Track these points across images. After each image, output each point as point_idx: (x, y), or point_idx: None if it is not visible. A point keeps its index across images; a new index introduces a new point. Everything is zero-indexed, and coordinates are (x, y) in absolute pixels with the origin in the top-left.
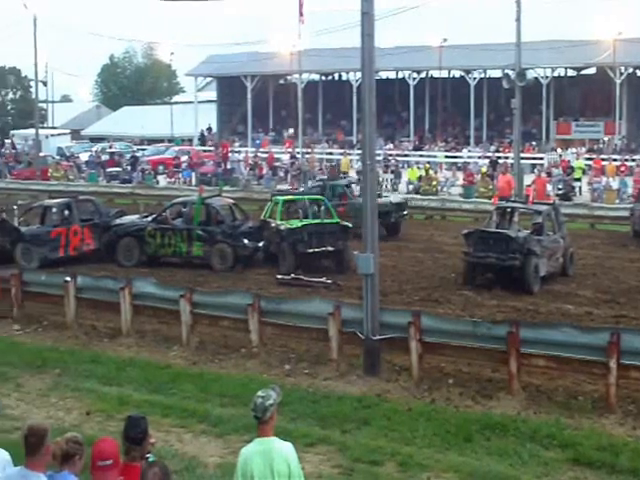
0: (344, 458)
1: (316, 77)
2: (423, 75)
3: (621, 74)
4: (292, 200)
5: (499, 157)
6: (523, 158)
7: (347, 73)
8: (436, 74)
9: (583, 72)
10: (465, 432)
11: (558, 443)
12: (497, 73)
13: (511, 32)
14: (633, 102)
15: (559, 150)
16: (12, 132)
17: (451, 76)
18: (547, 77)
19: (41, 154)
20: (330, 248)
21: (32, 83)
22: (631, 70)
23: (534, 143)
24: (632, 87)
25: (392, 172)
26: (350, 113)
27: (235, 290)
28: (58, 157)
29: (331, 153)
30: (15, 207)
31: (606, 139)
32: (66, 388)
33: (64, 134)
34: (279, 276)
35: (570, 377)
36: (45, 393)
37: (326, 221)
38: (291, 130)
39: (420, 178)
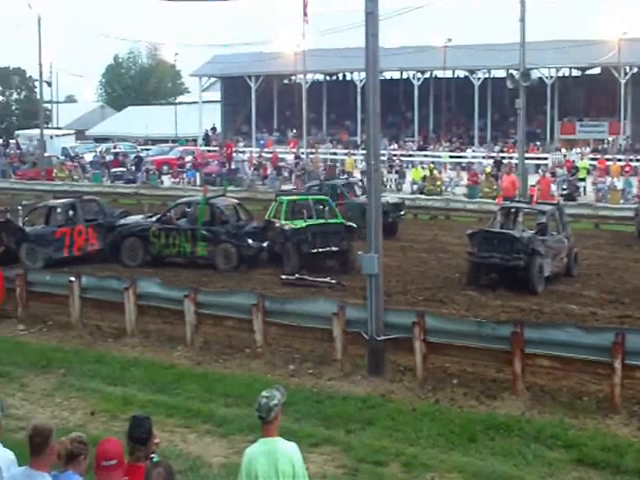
0: (348, 458)
1: (320, 77)
2: (427, 75)
3: (626, 74)
4: (296, 200)
5: (503, 157)
6: (527, 158)
7: (351, 73)
8: (440, 74)
9: (588, 72)
10: (469, 432)
11: (562, 443)
12: (501, 73)
13: (515, 32)
14: (638, 102)
15: (563, 150)
16: (17, 132)
17: (455, 76)
18: (551, 77)
19: (46, 154)
20: (334, 248)
21: (37, 83)
22: (636, 70)
23: (538, 143)
24: (637, 87)
25: (396, 172)
26: (354, 113)
27: (239, 290)
28: (62, 157)
29: (335, 153)
30: (20, 207)
31: (611, 139)
32: (71, 388)
33: (68, 134)
34: (283, 276)
35: (574, 377)
36: (50, 393)
37: (330, 221)
38: (295, 130)
39: (424, 178)
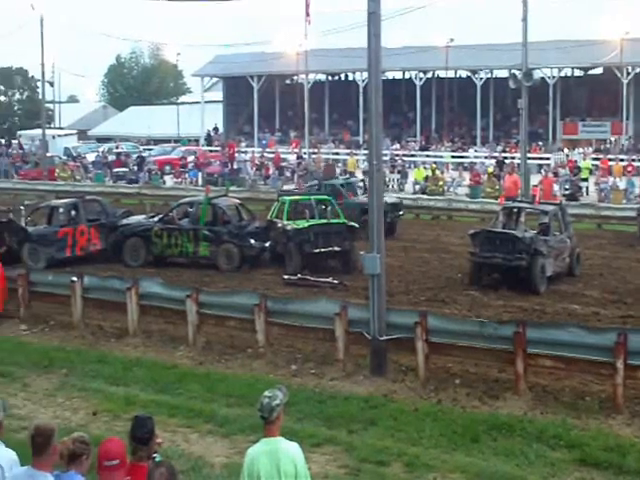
0: (350, 458)
1: (322, 77)
2: (430, 75)
3: (628, 74)
4: (299, 200)
5: (506, 157)
6: (530, 158)
7: (353, 73)
8: (443, 74)
9: (590, 72)
10: (472, 432)
11: (565, 443)
12: (504, 73)
13: (518, 32)
14: None
15: (566, 150)
16: (19, 133)
17: (458, 76)
18: (554, 77)
19: (48, 154)
20: (337, 248)
21: (39, 83)
22: (638, 70)
23: (541, 143)
24: (639, 87)
25: (399, 172)
26: (356, 113)
27: (241, 290)
28: (65, 157)
29: (337, 153)
30: (22, 207)
31: (613, 139)
32: (73, 388)
33: (71, 134)
34: (285, 276)
35: (577, 377)
36: (52, 393)
37: (333, 221)
38: (297, 130)
39: (427, 178)
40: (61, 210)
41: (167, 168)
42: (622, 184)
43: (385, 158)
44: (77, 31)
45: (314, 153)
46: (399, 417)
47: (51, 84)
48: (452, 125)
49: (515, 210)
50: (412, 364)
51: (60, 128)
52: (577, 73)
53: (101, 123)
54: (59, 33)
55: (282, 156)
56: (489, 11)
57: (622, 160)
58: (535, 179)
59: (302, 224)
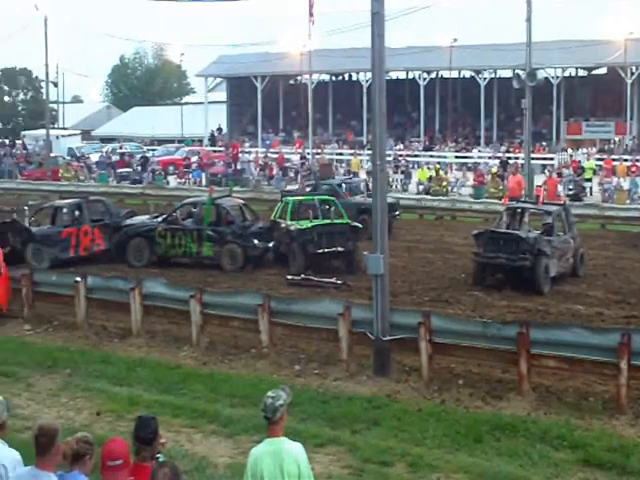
0: (354, 459)
1: (326, 77)
2: (433, 75)
3: (632, 74)
4: (302, 200)
5: (509, 157)
6: (533, 158)
7: (357, 73)
8: (446, 74)
9: (594, 72)
10: (475, 433)
11: (568, 444)
12: (507, 73)
13: (521, 32)
14: None
15: (570, 150)
16: (23, 133)
17: (461, 76)
18: (558, 77)
19: (52, 155)
20: (340, 248)
21: (43, 84)
22: None
23: (544, 143)
24: None
25: (402, 172)
26: (360, 113)
27: (245, 290)
28: (69, 158)
29: (341, 153)
30: (26, 207)
31: (617, 139)
32: (76, 388)
33: (75, 135)
34: (289, 276)
35: (580, 378)
36: (55, 393)
37: (336, 221)
38: (301, 130)
39: (430, 178)
40: (65, 210)
41: (171, 168)
42: (626, 184)
43: (389, 158)
44: (81, 31)
45: (318, 153)
46: (402, 417)
47: (55, 84)
48: (456, 125)
49: (519, 210)
50: (415, 364)
51: (64, 128)
52: (581, 73)
53: (105, 123)
54: (63, 33)
55: (286, 156)
56: (493, 11)
57: (626, 160)
58: (539, 179)
59: (306, 224)
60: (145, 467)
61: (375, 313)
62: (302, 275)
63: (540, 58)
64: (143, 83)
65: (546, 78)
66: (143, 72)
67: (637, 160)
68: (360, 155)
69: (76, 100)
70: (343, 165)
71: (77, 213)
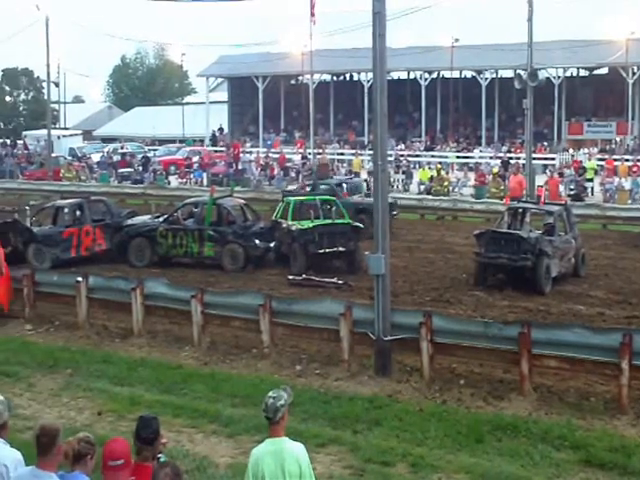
0: (355, 459)
1: (327, 77)
2: (435, 75)
3: (634, 74)
4: (303, 201)
5: (511, 157)
6: (535, 158)
7: (358, 73)
8: (448, 74)
9: (595, 72)
10: (476, 433)
11: (570, 444)
12: (509, 73)
13: (523, 32)
14: None
15: (571, 150)
16: (24, 133)
17: (463, 76)
18: (559, 77)
19: (53, 155)
20: (341, 249)
21: (44, 84)
22: None
23: (546, 143)
24: None
25: (403, 172)
26: (361, 113)
27: (246, 290)
28: (70, 158)
29: (342, 154)
30: (27, 208)
31: (618, 139)
32: (78, 388)
33: (76, 135)
34: (290, 276)
35: (582, 378)
36: (57, 393)
37: (337, 221)
38: (302, 130)
39: (431, 178)
40: (66, 210)
41: (172, 168)
42: (627, 184)
43: (390, 158)
44: (82, 31)
45: (319, 153)
46: (404, 417)
47: (56, 84)
48: (457, 125)
49: (520, 210)
50: (417, 364)
51: (65, 128)
52: (582, 73)
53: (106, 123)
54: (64, 34)
55: (287, 156)
56: (494, 11)
57: (627, 160)
58: (540, 179)
59: (307, 224)
60: (146, 467)
61: (376, 313)
62: (303, 275)
63: (541, 58)
64: (144, 83)
65: (547, 78)
66: (144, 72)
67: (638, 160)
68: (361, 155)
69: (77, 100)
70: (344, 165)
71: (78, 213)
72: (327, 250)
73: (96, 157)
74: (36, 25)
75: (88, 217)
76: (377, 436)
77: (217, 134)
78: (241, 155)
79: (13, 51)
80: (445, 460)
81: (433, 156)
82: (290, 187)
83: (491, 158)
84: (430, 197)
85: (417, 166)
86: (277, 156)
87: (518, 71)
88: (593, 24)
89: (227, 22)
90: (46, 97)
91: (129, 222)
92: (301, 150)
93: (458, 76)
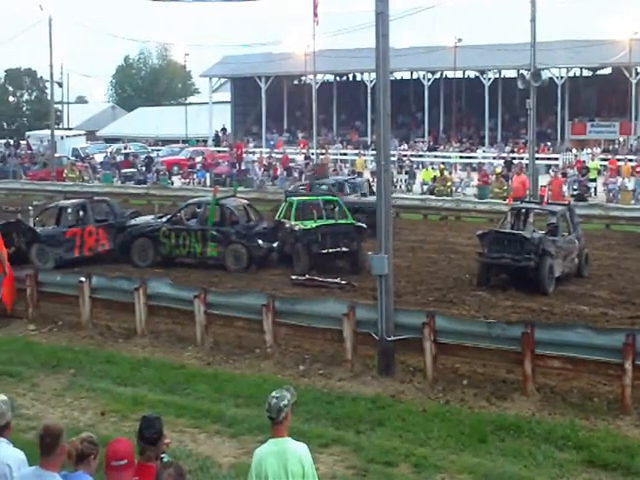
0: (358, 459)
1: (330, 78)
2: (438, 75)
3: (637, 74)
4: (306, 201)
5: (514, 158)
6: (538, 158)
7: (361, 74)
8: (451, 74)
9: (598, 72)
10: (479, 433)
11: (573, 444)
12: (512, 73)
13: (526, 32)
14: None
15: (574, 150)
16: (28, 133)
17: (466, 76)
18: (562, 77)
19: (56, 155)
20: (344, 249)
21: (47, 84)
22: None
23: (549, 143)
24: None
25: (406, 173)
26: (364, 114)
27: (249, 291)
28: (73, 158)
29: (345, 154)
30: (30, 208)
31: (621, 139)
32: (81, 388)
33: (79, 135)
34: (293, 277)
35: (585, 378)
36: (60, 393)
37: (340, 222)
38: (305, 131)
39: (435, 179)
40: (69, 211)
41: (175, 169)
42: (631, 184)
43: (393, 159)
44: (85, 32)
45: (322, 154)
46: (407, 418)
47: (60, 85)
48: (460, 125)
49: (523, 211)
50: (420, 365)
51: (68, 129)
52: (586, 73)
53: (109, 124)
54: (67, 34)
55: (290, 157)
56: (497, 11)
57: (631, 160)
58: (543, 179)
59: (310, 224)
60: (149, 467)
61: (379, 313)
62: (306, 275)
63: (545, 58)
64: (147, 83)
65: (550, 78)
66: (147, 72)
67: None
68: (364, 155)
69: (81, 100)
70: (347, 165)
71: (81, 213)
72: (330, 250)
73: (99, 157)
74: (39, 25)
75: (91, 217)
76: (380, 436)
77: (220, 134)
78: (244, 155)
79: (16, 51)
80: (448, 460)
81: (436, 156)
82: (293, 187)
83: (494, 158)
84: (433, 197)
85: (420, 166)
86: (280, 156)
87: (521, 71)
88: (596, 24)
89: (230, 22)
90: (49, 97)
91: (132, 222)
92: (304, 150)
93: (461, 76)
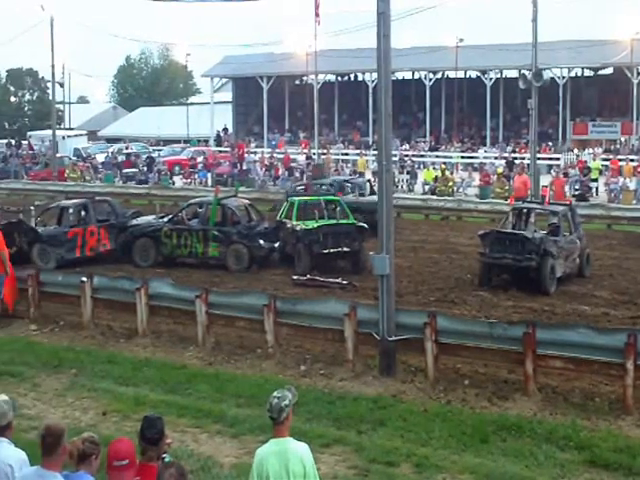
0: (360, 459)
1: (332, 78)
2: (439, 75)
3: (638, 74)
4: (308, 201)
5: (515, 158)
6: (539, 159)
7: (363, 74)
8: (452, 74)
9: (600, 72)
10: (481, 433)
11: (574, 445)
12: (513, 73)
13: (527, 32)
14: None
15: (576, 150)
16: (29, 133)
17: (467, 76)
18: (564, 77)
19: (58, 155)
20: (346, 249)
21: (49, 84)
22: None
23: (550, 143)
24: None
25: (408, 173)
26: (366, 114)
27: (251, 291)
28: (75, 158)
29: (347, 154)
30: (32, 208)
31: (623, 139)
32: (82, 388)
33: (81, 135)
34: (295, 277)
35: (587, 378)
36: (61, 393)
37: (342, 222)
38: (307, 131)
39: (436, 179)
40: (71, 211)
41: (177, 169)
42: (632, 184)
43: (394, 159)
44: (87, 32)
45: (323, 154)
46: (408, 418)
47: (61, 85)
48: (462, 125)
49: (525, 211)
50: (421, 365)
51: (70, 129)
52: (587, 73)
53: (111, 124)
54: (69, 34)
55: (291, 157)
56: (499, 11)
57: (632, 160)
58: (545, 179)
59: (311, 224)
60: (151, 467)
61: (381, 313)
62: (308, 275)
63: (546, 58)
64: (149, 83)
65: (552, 78)
66: (149, 72)
67: None
68: (366, 155)
69: (82, 100)
70: (349, 165)
71: (83, 213)
72: (331, 250)
73: (101, 157)
74: (41, 25)
75: (93, 217)
76: (381, 436)
77: (222, 134)
78: (245, 155)
79: (18, 51)
80: (449, 460)
81: (437, 156)
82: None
83: (496, 158)
84: (434, 197)
85: (421, 166)
86: (282, 156)
87: (523, 71)
88: (598, 24)
89: (231, 22)
90: (51, 97)
91: (134, 222)
92: (306, 150)
93: (463, 76)
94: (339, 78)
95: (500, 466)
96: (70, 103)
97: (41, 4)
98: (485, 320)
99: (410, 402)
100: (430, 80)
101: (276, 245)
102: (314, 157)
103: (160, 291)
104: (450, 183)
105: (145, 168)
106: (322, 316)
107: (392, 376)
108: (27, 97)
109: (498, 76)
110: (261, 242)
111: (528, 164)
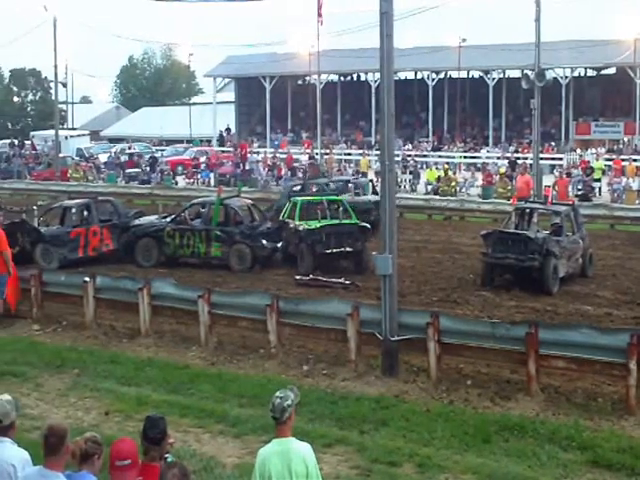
0: (362, 459)
1: (335, 78)
2: (442, 75)
3: None
4: (310, 201)
5: (518, 158)
6: (542, 159)
7: (366, 74)
8: (455, 74)
9: (603, 72)
10: (483, 433)
11: (577, 445)
12: (516, 73)
13: (530, 32)
14: None
15: (578, 150)
16: (32, 133)
17: (470, 76)
18: (566, 77)
19: (60, 155)
20: (348, 249)
21: (52, 84)
22: None
23: (553, 143)
24: None
25: (411, 173)
26: (369, 114)
27: (253, 291)
28: (77, 158)
29: (350, 154)
30: (35, 208)
31: (626, 139)
32: (85, 388)
33: (83, 135)
34: (297, 277)
35: (589, 379)
36: (64, 393)
37: (344, 222)
38: (309, 131)
39: (439, 179)
40: (74, 211)
41: (179, 169)
42: (635, 184)
43: (397, 159)
44: (90, 32)
45: (326, 154)
46: (411, 418)
47: (64, 85)
48: (464, 125)
49: (527, 211)
50: (424, 365)
51: (73, 129)
52: (590, 73)
53: (114, 124)
54: (72, 34)
55: (294, 157)
56: (502, 11)
57: (635, 160)
58: (547, 179)
59: (314, 225)
60: (154, 467)
61: (383, 313)
62: (310, 275)
63: (549, 58)
64: (152, 83)
65: (555, 78)
66: (152, 72)
67: None
68: (369, 155)
69: (85, 101)
70: (352, 165)
71: (86, 213)
72: (334, 250)
73: (103, 157)
74: (44, 26)
75: (95, 217)
76: (384, 436)
77: (224, 134)
78: (248, 155)
79: (21, 52)
80: (452, 460)
81: (440, 156)
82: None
83: (498, 158)
84: (437, 197)
85: (424, 166)
86: (284, 156)
87: (525, 71)
88: (601, 24)
89: (234, 22)
90: (54, 97)
91: (136, 222)
92: (308, 150)
93: (465, 76)
94: (342, 78)
95: (503, 466)
96: (73, 103)
97: (44, 5)
98: (488, 320)
99: (413, 402)
100: (433, 80)
101: (279, 245)
102: (317, 157)
103: (163, 291)
104: (453, 183)
105: (148, 168)
106: (325, 316)
107: (395, 376)
108: (30, 97)
109: (501, 76)
110: (264, 242)
111: (531, 164)
